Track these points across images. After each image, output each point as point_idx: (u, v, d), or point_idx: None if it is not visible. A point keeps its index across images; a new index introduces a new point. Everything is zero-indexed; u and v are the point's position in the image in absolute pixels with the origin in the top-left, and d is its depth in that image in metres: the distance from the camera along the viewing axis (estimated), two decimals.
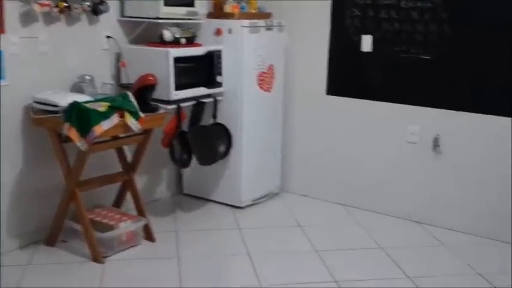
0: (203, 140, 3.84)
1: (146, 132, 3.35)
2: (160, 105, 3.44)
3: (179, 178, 4.39)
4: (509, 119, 3.53)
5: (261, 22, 3.96)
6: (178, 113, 3.65)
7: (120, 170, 3.51)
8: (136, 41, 3.75)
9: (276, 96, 4.24)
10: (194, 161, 3.83)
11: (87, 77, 3.36)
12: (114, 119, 3.01)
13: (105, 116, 2.97)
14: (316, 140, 4.34)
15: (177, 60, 3.50)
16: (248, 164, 4.07)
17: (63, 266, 3.13)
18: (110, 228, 3.26)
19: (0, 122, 3.09)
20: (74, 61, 3.42)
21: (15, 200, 3.26)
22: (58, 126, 3.00)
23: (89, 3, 3.36)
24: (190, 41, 3.72)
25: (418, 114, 3.86)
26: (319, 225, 3.89)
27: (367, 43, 3.97)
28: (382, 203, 4.09)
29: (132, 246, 3.38)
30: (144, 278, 3.05)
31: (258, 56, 3.96)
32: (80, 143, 2.93)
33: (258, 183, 4.21)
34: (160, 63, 3.47)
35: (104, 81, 3.51)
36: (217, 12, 4.00)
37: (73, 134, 2.92)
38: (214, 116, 3.96)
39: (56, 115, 3.02)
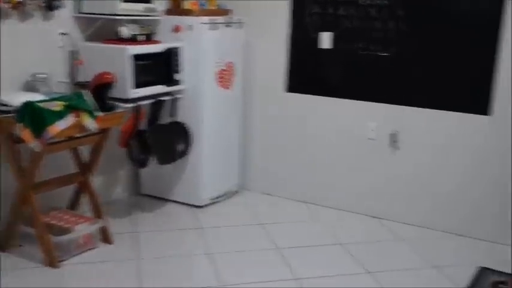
0: (162, 139, 3.78)
1: (103, 132, 3.27)
2: (118, 103, 3.36)
3: (136, 178, 4.31)
4: (466, 114, 3.62)
5: (220, 19, 3.92)
6: (137, 111, 3.58)
7: (76, 170, 3.42)
8: (93, 38, 3.65)
9: (236, 93, 4.21)
10: (152, 160, 3.77)
11: (41, 76, 3.26)
12: (70, 118, 2.93)
13: (60, 115, 2.88)
14: (277, 137, 4.34)
15: (136, 57, 3.43)
16: (208, 162, 4.03)
17: (16, 272, 3.01)
18: (66, 231, 3.17)
19: None
20: (27, 59, 3.30)
21: None
22: (10, 127, 2.89)
23: None
24: (149, 38, 3.66)
25: (377, 111, 3.91)
26: (280, 223, 3.89)
27: (326, 40, 3.99)
28: (343, 199, 4.13)
29: (89, 249, 3.30)
30: (102, 281, 2.97)
31: (218, 53, 3.93)
32: (33, 144, 2.83)
33: (218, 182, 4.18)
34: (117, 61, 3.39)
35: (59, 79, 3.41)
36: (176, 8, 3.94)
37: (26, 134, 2.82)
38: (173, 115, 3.90)
39: (7, 115, 2.90)
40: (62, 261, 3.12)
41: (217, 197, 4.19)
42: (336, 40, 3.97)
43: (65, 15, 3.48)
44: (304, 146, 4.24)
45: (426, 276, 3.17)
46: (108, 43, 3.53)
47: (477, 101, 3.57)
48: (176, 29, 3.81)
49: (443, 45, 3.62)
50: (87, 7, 3.51)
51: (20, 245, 3.25)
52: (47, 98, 3.01)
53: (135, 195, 4.30)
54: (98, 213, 3.42)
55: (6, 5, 3.07)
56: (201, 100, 3.89)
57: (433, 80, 3.69)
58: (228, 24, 3.98)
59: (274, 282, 3.04)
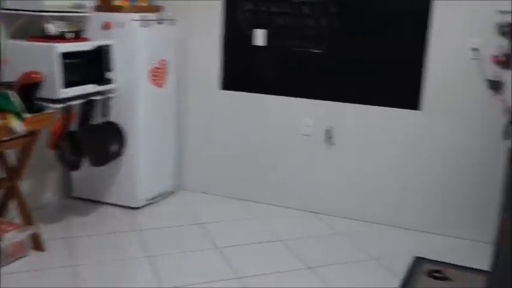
0: (94, 140, 3.66)
1: (32, 134, 3.11)
2: (47, 104, 3.21)
3: (67, 181, 4.14)
4: (398, 109, 3.73)
5: (152, 16, 3.83)
6: (67, 112, 3.43)
7: (3, 175, 3.23)
8: (16, 35, 3.46)
9: (170, 92, 4.13)
10: (84, 162, 3.64)
11: None
12: None
13: None
14: (212, 135, 4.30)
15: (64, 55, 3.28)
16: (142, 162, 3.94)
17: None
18: None
19: None
20: None
21: None
22: None
23: None
24: (78, 36, 3.51)
25: (312, 107, 3.96)
26: (218, 222, 3.86)
27: (260, 37, 3.99)
28: (280, 196, 4.15)
29: (19, 258, 3.14)
30: None
31: (150, 50, 3.84)
32: None
33: (154, 182, 4.09)
34: (45, 60, 3.23)
35: None
36: (106, 5, 3.80)
37: None
38: (106, 114, 3.77)
39: None
40: None
41: (153, 198, 4.10)
42: (269, 37, 3.97)
43: None
44: (240, 143, 4.23)
45: (366, 269, 3.24)
46: (33, 41, 3.36)
47: (408, 97, 3.68)
48: (106, 26, 3.69)
49: (374, 41, 3.71)
50: (11, 3, 3.31)
51: None
52: None
53: (67, 199, 4.13)
54: (27, 220, 3.25)
55: None
56: (134, 99, 3.79)
57: (366, 76, 3.77)
58: (159, 21, 3.89)
59: (217, 282, 3.01)
